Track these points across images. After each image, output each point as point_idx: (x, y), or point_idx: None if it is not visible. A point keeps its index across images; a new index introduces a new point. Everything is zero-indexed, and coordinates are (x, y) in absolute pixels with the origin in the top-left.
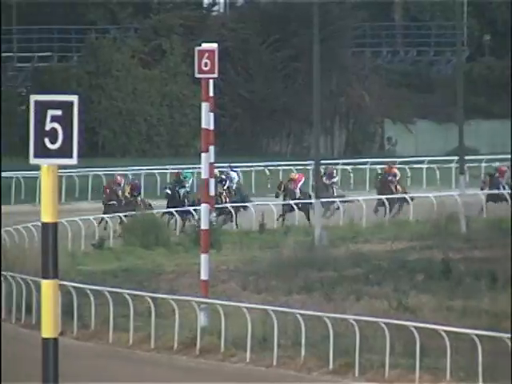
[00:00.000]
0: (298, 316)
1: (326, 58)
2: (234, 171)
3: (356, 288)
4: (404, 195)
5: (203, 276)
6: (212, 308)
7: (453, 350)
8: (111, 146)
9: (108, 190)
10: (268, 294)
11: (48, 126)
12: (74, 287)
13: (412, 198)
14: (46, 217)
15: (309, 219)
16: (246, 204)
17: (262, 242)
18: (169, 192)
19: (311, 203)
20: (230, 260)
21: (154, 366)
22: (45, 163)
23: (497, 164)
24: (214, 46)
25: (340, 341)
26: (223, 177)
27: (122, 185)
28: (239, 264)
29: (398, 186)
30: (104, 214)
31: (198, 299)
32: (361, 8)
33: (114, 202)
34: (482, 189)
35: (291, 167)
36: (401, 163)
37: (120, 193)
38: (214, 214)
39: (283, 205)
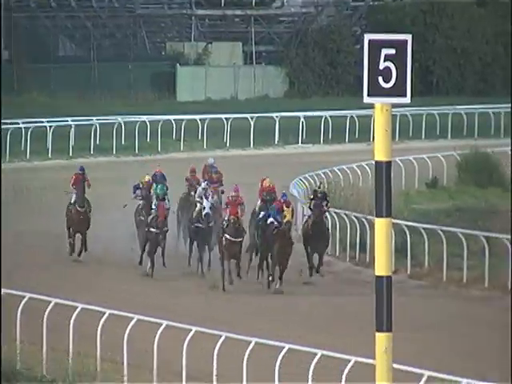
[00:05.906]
0: None
1: None
2: None
3: None
4: None
5: None
6: None
7: None
8: (445, 85)
9: None
10: None
11: (382, 65)
12: (407, 226)
13: None
14: (380, 155)
15: None
16: None
17: None
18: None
19: None
20: None
21: (486, 306)
22: (378, 102)
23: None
24: None
25: None
26: None
27: None
28: None
29: None
30: None
31: None
32: None
33: None
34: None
35: None
36: None
37: None
38: None
39: None
